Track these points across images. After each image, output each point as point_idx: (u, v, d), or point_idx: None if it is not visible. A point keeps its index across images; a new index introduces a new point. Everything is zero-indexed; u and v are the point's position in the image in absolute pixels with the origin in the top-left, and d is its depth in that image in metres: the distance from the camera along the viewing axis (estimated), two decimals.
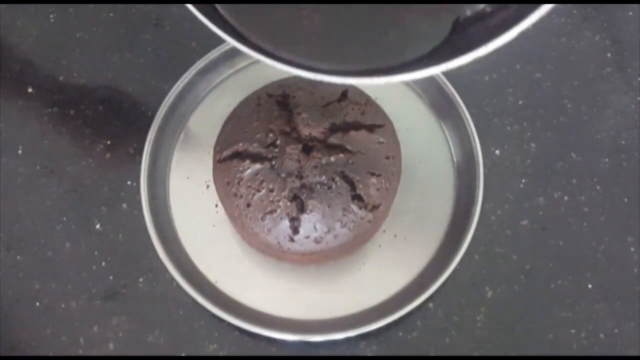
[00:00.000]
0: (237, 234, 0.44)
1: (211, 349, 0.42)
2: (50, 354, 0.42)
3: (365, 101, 0.42)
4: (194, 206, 0.45)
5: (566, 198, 0.46)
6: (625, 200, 0.46)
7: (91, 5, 0.52)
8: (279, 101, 0.42)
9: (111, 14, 0.52)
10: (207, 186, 0.46)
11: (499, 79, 0.50)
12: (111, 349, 0.42)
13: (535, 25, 0.25)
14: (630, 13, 0.53)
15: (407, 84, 0.49)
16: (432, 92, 0.48)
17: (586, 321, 0.43)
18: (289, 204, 0.39)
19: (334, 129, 0.40)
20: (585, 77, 0.50)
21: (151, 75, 0.50)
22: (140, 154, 0.45)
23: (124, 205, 0.46)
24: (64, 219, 0.46)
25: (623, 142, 0.48)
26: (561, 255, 0.45)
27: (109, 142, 0.48)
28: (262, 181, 0.39)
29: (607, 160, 0.48)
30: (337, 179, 0.39)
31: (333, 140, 0.40)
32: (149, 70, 0.50)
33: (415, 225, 0.45)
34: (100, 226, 0.45)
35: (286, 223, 0.39)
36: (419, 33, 0.29)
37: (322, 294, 0.43)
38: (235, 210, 0.40)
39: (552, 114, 0.49)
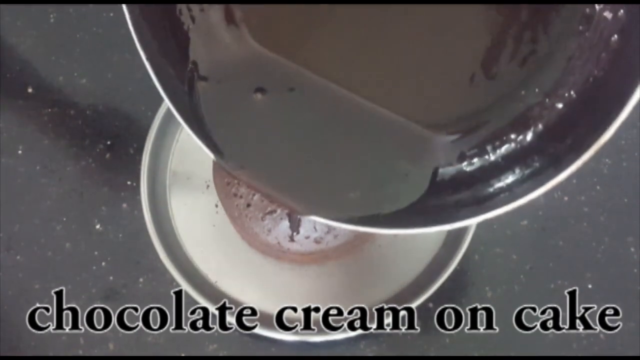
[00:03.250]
0: (237, 234, 0.44)
1: (211, 349, 0.42)
2: (50, 354, 0.42)
3: None
4: (194, 206, 0.45)
5: (566, 198, 0.46)
6: (625, 200, 0.46)
7: (91, 5, 0.52)
8: None
9: (111, 14, 0.52)
10: (207, 186, 0.46)
11: None
12: (111, 349, 0.42)
13: None
14: None
15: None
16: None
17: None
18: None
19: None
20: None
21: None
22: (141, 154, 0.45)
23: (125, 205, 0.46)
24: (64, 219, 0.46)
25: (623, 142, 0.48)
26: (561, 255, 0.45)
27: (109, 142, 0.48)
28: None
29: (607, 160, 0.48)
30: None
31: None
32: None
33: None
34: (100, 226, 0.45)
35: (286, 223, 0.39)
36: (393, 192, 0.28)
37: (322, 294, 0.43)
38: (235, 211, 0.40)
39: None
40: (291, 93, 0.29)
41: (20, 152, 0.48)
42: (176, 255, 0.43)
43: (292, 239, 0.39)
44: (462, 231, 0.43)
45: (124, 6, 0.27)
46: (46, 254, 0.45)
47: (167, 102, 0.28)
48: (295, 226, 0.39)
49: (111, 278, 0.44)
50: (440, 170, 0.28)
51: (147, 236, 0.43)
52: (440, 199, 0.27)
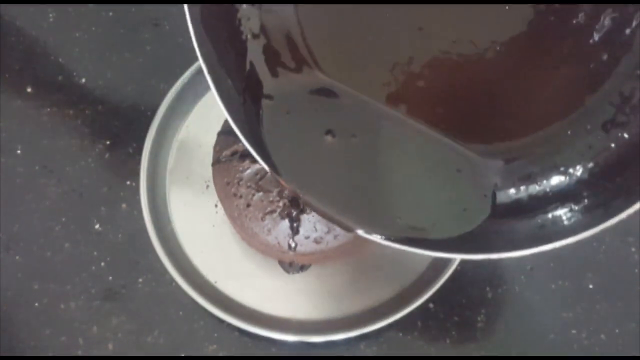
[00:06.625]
0: (237, 234, 0.44)
1: (211, 349, 0.42)
2: (50, 354, 0.42)
3: None
4: (193, 206, 0.45)
5: None
6: None
7: (91, 5, 0.52)
8: None
9: (111, 14, 0.52)
10: (207, 186, 0.46)
11: None
12: (110, 349, 0.42)
13: None
14: None
15: None
16: None
17: (587, 321, 0.43)
18: (288, 204, 0.39)
19: None
20: None
21: (151, 75, 0.50)
22: (140, 154, 0.45)
23: (124, 205, 0.46)
24: (64, 219, 0.46)
25: None
26: (561, 255, 0.45)
27: (108, 142, 0.48)
28: (261, 181, 0.39)
29: None
30: None
31: None
32: (149, 70, 0.50)
33: None
34: (100, 226, 0.45)
35: (286, 223, 0.39)
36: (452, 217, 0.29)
37: (322, 294, 0.43)
38: (235, 211, 0.40)
39: None
40: (357, 136, 0.30)
41: (19, 152, 0.48)
42: (176, 255, 0.43)
43: (292, 239, 0.39)
44: None
45: (187, 13, 0.27)
46: (46, 254, 0.45)
47: (224, 111, 0.28)
48: (294, 228, 0.39)
49: (110, 278, 0.44)
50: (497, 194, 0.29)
51: (147, 236, 0.43)
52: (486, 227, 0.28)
